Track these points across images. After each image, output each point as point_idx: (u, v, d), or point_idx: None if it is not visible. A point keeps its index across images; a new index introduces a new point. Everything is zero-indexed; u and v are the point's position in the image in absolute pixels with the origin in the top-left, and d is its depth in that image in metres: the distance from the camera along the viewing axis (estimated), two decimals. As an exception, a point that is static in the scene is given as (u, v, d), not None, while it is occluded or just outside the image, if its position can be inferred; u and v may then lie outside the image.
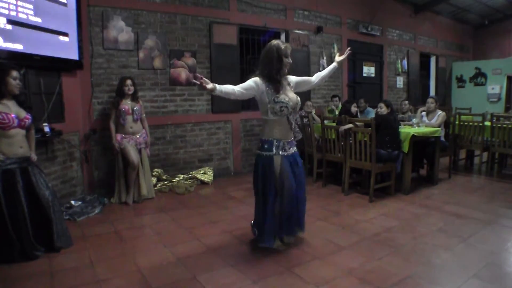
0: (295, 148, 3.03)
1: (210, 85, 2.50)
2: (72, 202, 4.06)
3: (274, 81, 2.83)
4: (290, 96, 2.89)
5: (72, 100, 4.30)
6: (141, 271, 2.65)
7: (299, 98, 2.98)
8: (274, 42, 2.86)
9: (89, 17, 4.51)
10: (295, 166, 2.96)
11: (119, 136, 4.26)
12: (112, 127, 4.26)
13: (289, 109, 2.84)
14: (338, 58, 3.24)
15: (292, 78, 3.05)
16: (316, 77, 3.18)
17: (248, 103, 5.71)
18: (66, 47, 4.00)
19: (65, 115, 4.22)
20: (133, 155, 4.20)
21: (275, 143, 2.86)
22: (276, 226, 2.94)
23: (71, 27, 4.05)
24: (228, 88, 2.67)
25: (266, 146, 2.87)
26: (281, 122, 2.88)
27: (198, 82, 2.49)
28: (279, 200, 2.89)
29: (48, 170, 3.84)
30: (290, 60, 2.87)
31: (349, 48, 3.39)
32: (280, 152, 2.87)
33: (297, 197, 2.94)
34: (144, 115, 4.50)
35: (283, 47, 2.82)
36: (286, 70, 2.90)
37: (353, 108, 5.39)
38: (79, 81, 4.43)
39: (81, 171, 4.49)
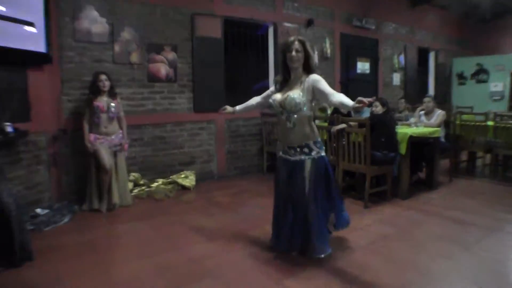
0: (306, 156, 2.85)
1: (229, 109, 2.59)
2: (38, 210, 3.98)
3: (283, 80, 2.93)
4: (288, 94, 2.78)
5: (39, 97, 4.22)
6: (117, 285, 2.60)
7: (295, 97, 2.75)
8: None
9: (59, 6, 4.43)
10: (298, 172, 2.86)
11: (92, 136, 4.21)
12: (86, 126, 4.21)
13: (276, 108, 2.89)
14: (358, 103, 2.34)
15: (315, 78, 2.79)
16: (338, 99, 2.59)
17: (234, 102, 5.66)
18: (32, 38, 3.92)
19: (32, 113, 4.13)
20: (106, 159, 4.14)
21: (278, 143, 3.07)
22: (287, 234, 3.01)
23: (38, 17, 3.97)
24: (248, 104, 3.02)
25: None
26: (279, 122, 2.99)
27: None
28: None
29: (11, 174, 3.75)
30: (293, 53, 2.74)
31: (374, 97, 2.65)
32: (281, 154, 3.01)
33: (305, 209, 2.90)
34: (123, 113, 4.44)
35: (284, 42, 2.89)
36: (294, 65, 2.79)
37: None
38: (47, 76, 4.34)
39: (49, 176, 4.39)
